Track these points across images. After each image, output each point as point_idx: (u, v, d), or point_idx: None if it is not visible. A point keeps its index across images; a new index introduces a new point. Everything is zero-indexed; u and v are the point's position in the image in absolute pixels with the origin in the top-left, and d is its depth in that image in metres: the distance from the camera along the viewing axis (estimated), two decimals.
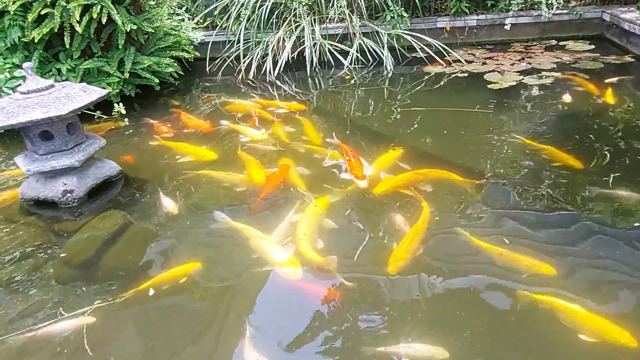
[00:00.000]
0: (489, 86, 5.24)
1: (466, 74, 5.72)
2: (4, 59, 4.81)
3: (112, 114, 5.23)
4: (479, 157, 3.80)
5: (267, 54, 6.41)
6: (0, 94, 4.60)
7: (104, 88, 5.01)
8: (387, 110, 5.01)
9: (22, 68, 4.75)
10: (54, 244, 3.10)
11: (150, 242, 3.10)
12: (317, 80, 6.26)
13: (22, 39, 4.80)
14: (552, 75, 5.38)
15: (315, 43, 6.38)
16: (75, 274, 2.82)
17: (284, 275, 2.66)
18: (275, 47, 6.41)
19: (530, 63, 5.85)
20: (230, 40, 6.81)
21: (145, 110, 5.50)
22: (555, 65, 5.70)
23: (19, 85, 4.62)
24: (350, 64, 6.38)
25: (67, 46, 4.90)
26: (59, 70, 5.07)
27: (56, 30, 4.80)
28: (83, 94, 3.33)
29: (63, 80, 4.96)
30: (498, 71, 5.63)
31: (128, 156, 4.26)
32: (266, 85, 6.17)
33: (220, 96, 5.85)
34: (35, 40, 4.73)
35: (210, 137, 4.59)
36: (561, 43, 6.61)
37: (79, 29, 4.74)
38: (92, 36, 5.07)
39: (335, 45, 6.47)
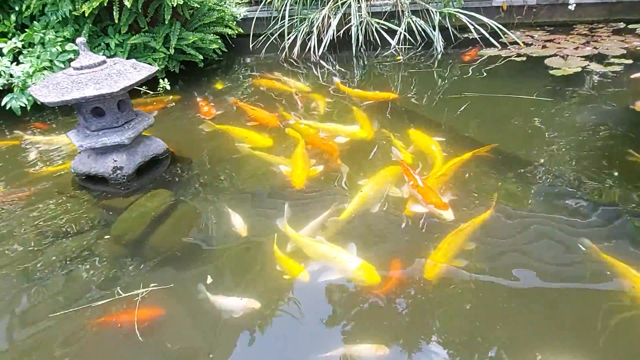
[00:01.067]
0: (551, 72, 4.89)
1: (524, 58, 5.37)
2: (56, 32, 4.86)
3: (157, 89, 5.23)
4: (537, 148, 3.56)
5: (311, 32, 6.22)
6: (52, 68, 4.67)
7: (149, 64, 5.06)
8: (435, 95, 4.78)
9: (73, 42, 4.80)
10: (103, 221, 3.14)
11: (198, 222, 3.09)
12: (362, 61, 6.05)
13: (72, 13, 4.81)
14: (622, 62, 4.97)
15: (361, 21, 6.14)
16: (127, 252, 2.84)
17: (360, 281, 2.48)
18: (320, 24, 6.21)
19: (596, 48, 5.42)
20: (274, 17, 6.65)
21: (189, 87, 5.48)
22: (625, 51, 5.25)
23: (70, 59, 4.69)
24: (398, 44, 6.11)
25: (116, 21, 4.89)
26: (107, 44, 5.09)
27: (105, 5, 4.79)
28: (133, 71, 3.29)
29: (112, 55, 4.98)
30: (561, 56, 5.24)
31: (174, 136, 4.25)
32: (310, 65, 6.01)
33: (281, 78, 5.64)
34: (85, 14, 4.73)
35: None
36: (630, 26, 6.08)
37: (127, 3, 4.71)
38: (139, 11, 5.04)
39: (382, 24, 6.20)
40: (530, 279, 2.40)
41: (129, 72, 3.26)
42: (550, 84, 4.69)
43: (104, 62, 3.27)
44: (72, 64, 3.23)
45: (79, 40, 3.18)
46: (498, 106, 4.36)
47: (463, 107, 4.36)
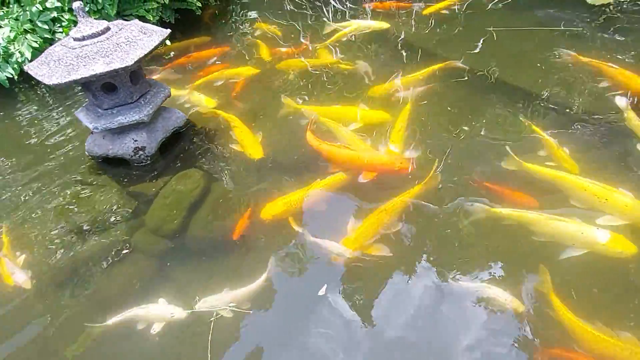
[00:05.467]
0: (588, 1, 4.45)
1: None
2: None
3: None
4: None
5: None
6: (35, 30, 4.10)
7: (142, 16, 4.51)
8: (452, 29, 4.46)
9: None
10: (135, 210, 2.87)
11: (239, 205, 2.84)
12: None
13: None
14: None
15: None
16: (170, 248, 2.62)
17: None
18: None
19: None
20: None
21: (189, 39, 4.93)
22: None
23: (54, 18, 4.13)
24: None
25: None
26: None
27: None
28: (144, 37, 2.85)
29: (99, 9, 4.38)
30: None
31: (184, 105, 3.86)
32: (317, 5, 5.43)
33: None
34: None
35: None
36: None
37: None
38: None
39: None
40: None
41: (139, 38, 2.82)
42: (584, 13, 4.34)
43: (108, 28, 2.81)
44: (71, 33, 2.77)
45: (75, 4, 2.70)
46: (520, 38, 4.13)
47: (483, 40, 4.14)
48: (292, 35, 4.79)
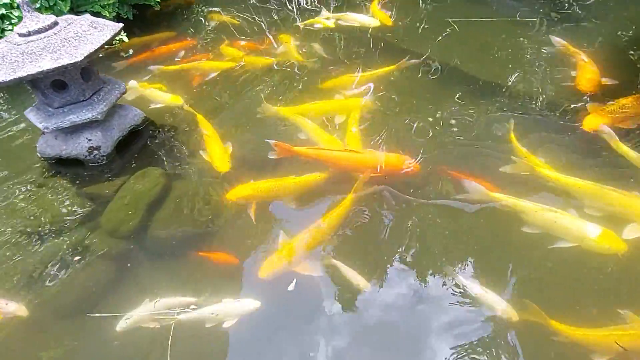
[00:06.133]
0: None
1: None
2: None
3: (113, 43, 4.55)
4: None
5: None
6: None
7: (98, 12, 4.36)
8: (416, 22, 4.52)
9: None
10: (90, 212, 2.77)
11: (202, 202, 2.78)
12: None
13: None
14: None
15: None
16: (128, 250, 2.53)
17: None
18: None
19: None
20: None
21: (149, 35, 4.80)
22: None
23: (1, 15, 3.94)
24: None
25: None
26: None
27: None
28: (94, 32, 2.74)
29: (51, 5, 4.20)
30: None
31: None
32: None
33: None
34: None
35: None
36: None
37: None
38: None
39: None
40: None
41: (89, 33, 2.71)
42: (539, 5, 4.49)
43: (56, 23, 2.70)
44: (16, 29, 2.65)
45: None
46: (484, 31, 4.24)
47: (447, 34, 4.24)
48: (256, 29, 4.74)
